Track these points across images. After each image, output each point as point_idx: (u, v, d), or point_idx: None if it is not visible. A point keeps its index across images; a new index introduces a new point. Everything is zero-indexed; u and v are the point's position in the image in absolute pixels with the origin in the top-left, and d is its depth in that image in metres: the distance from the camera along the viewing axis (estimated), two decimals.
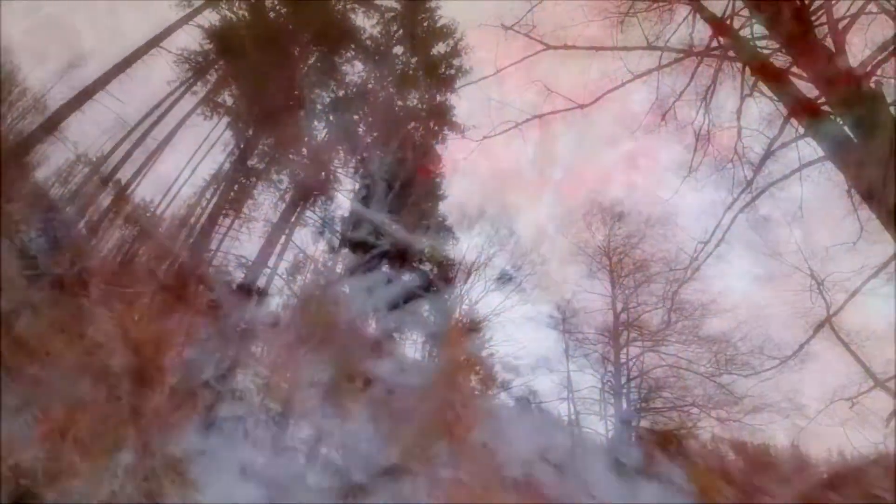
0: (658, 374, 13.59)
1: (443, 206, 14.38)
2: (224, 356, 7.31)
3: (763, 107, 11.59)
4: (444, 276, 11.51)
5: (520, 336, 13.94)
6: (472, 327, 10.82)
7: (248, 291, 9.17)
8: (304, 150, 13.83)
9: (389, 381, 8.22)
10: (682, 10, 12.26)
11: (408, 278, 10.85)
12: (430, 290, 10.71)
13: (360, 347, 8.70)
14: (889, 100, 8.73)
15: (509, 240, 15.02)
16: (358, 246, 12.04)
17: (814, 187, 10.99)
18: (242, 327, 8.10)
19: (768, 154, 11.15)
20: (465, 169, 13.47)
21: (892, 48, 9.20)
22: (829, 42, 9.41)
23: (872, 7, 9.72)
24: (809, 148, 10.78)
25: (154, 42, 13.31)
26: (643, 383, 13.84)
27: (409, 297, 10.48)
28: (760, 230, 11.75)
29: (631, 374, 13.87)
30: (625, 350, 14.27)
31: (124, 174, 12.72)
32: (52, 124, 11.82)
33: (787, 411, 11.14)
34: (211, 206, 13.13)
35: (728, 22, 11.55)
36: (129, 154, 12.85)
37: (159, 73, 13.49)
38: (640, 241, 14.89)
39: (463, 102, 14.55)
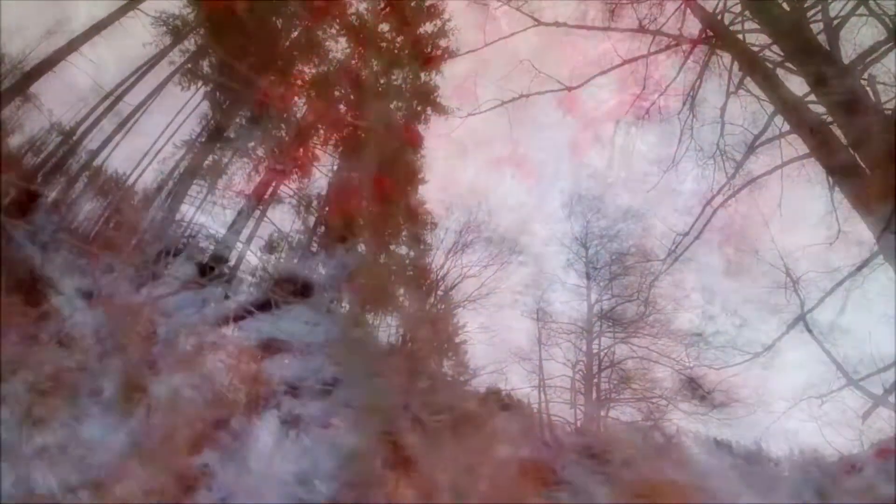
0: (629, 365, 13.13)
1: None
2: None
3: (748, 104, 11.10)
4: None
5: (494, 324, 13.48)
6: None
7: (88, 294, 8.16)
8: (283, 125, 12.88)
9: (164, 396, 7.33)
10: (672, 5, 11.72)
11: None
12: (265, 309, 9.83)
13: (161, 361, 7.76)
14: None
15: (487, 226, 14.43)
16: None
17: (794, 185, 10.56)
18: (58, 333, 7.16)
19: (751, 150, 10.73)
20: (445, 151, 12.80)
21: (882, 49, 8.79)
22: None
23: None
24: (791, 147, 10.38)
25: (132, 4, 12.22)
26: (613, 374, 13.39)
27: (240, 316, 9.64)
28: (739, 226, 11.34)
29: (602, 364, 13.38)
30: (597, 341, 13.78)
31: (93, 142, 11.76)
32: (23, 85, 10.73)
33: (756, 407, 10.81)
34: (183, 178, 12.18)
35: (719, 17, 11.07)
36: (98, 121, 11.81)
37: (137, 37, 12.41)
38: (618, 232, 14.32)
39: (447, 83, 13.75)
